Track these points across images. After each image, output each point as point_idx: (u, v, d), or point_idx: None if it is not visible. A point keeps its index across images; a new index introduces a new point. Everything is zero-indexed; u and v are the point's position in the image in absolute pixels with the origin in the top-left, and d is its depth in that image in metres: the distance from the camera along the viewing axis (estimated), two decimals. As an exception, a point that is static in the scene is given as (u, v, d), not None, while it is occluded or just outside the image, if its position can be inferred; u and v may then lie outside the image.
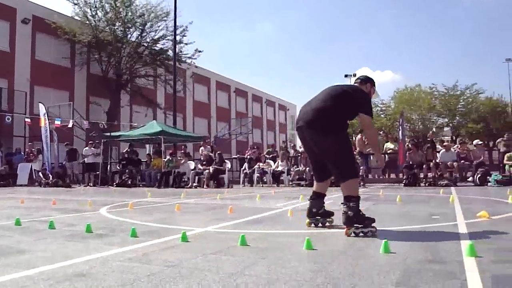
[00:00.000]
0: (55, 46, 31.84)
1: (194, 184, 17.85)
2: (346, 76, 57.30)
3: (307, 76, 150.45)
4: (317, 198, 5.08)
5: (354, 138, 19.14)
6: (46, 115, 22.54)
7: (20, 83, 28.86)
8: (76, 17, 31.82)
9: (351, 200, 4.48)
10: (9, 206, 9.03)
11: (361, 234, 4.37)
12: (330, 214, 5.17)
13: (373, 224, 4.49)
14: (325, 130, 4.64)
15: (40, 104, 23.00)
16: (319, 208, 5.08)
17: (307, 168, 17.55)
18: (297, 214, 6.67)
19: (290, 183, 17.86)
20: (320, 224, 5.10)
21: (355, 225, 4.42)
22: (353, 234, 4.38)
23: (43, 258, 3.59)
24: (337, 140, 4.66)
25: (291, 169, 18.30)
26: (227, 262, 3.32)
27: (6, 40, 29.13)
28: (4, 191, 15.65)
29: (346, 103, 4.80)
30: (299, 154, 19.30)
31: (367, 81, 5.19)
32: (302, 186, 17.01)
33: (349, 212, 4.45)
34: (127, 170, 20.11)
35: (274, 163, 18.85)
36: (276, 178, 18.30)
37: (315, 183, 5.18)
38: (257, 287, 2.61)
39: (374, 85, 5.23)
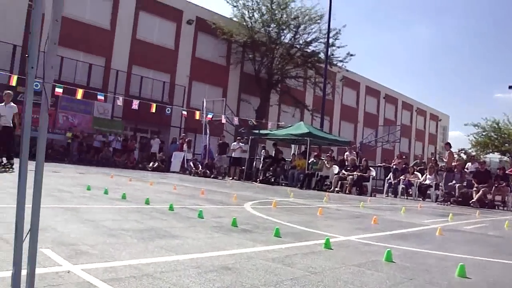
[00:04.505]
0: (213, 45, 33.81)
1: (336, 189, 17.67)
2: (510, 87, 52.59)
3: (464, 85, 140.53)
4: None
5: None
6: (204, 109, 24.16)
7: (180, 78, 31.22)
8: (234, 19, 33.45)
9: None
10: (164, 191, 9.76)
11: None
12: None
13: None
14: None
15: (204, 99, 24.73)
16: None
17: (458, 185, 16.34)
18: (447, 234, 6.22)
19: (439, 199, 16.67)
20: None
21: None
22: None
23: (193, 245, 3.79)
24: None
25: (440, 184, 17.18)
26: (372, 277, 3.18)
27: (172, 39, 31.68)
28: (158, 176, 17.00)
29: None
30: (454, 169, 17.77)
31: None
32: (450, 204, 15.60)
33: None
34: (271, 168, 20.62)
35: (422, 175, 17.88)
36: (423, 192, 17.32)
37: None
38: (405, 310, 2.44)
39: None
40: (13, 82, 20.02)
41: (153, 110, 23.59)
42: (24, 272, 2.08)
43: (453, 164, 17.33)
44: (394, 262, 3.80)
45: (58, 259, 2.88)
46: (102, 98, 22.72)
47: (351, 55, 33.90)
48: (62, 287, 2.33)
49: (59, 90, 20.30)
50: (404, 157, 21.76)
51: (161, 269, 2.89)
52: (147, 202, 6.66)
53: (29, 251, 2.11)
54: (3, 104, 11.84)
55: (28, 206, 2.08)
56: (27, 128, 2.11)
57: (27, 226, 2.09)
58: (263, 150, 22.63)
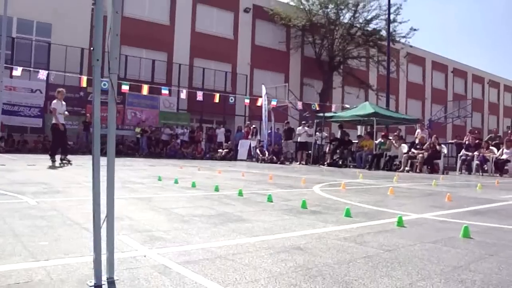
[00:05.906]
0: (272, 32, 33.76)
1: (406, 168, 17.18)
2: None
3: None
4: None
5: None
6: (266, 95, 24.26)
7: (241, 67, 31.47)
8: (291, 3, 33.17)
9: None
10: (232, 178, 9.89)
11: None
12: None
13: None
14: None
15: (263, 86, 24.85)
16: None
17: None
18: (529, 208, 5.91)
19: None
20: None
21: None
22: None
23: (263, 228, 3.81)
24: None
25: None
26: (449, 254, 3.07)
27: (231, 29, 31.97)
28: (226, 164, 17.25)
29: None
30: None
31: None
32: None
33: None
34: (338, 151, 20.39)
35: (498, 150, 16.99)
36: (500, 168, 16.45)
37: None
38: (486, 286, 2.33)
39: None
40: (83, 83, 20.99)
41: (217, 100, 24.00)
42: (104, 257, 2.17)
43: None
44: (472, 238, 3.65)
45: (135, 244, 2.99)
46: (167, 92, 23.35)
47: (414, 29, 32.84)
48: (140, 269, 2.42)
49: (125, 88, 21.07)
50: (476, 132, 20.76)
51: (233, 251, 2.93)
52: (217, 189, 6.78)
53: (107, 237, 2.20)
54: (56, 101, 12.02)
55: (103, 198, 2.17)
56: (97, 120, 2.19)
57: (103, 215, 2.18)
58: (317, 133, 22.32)
